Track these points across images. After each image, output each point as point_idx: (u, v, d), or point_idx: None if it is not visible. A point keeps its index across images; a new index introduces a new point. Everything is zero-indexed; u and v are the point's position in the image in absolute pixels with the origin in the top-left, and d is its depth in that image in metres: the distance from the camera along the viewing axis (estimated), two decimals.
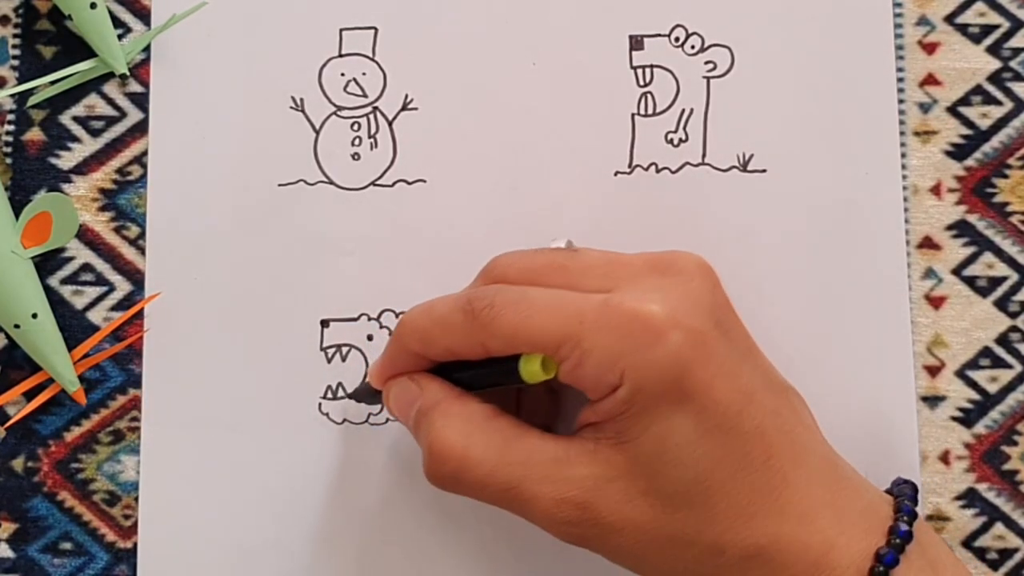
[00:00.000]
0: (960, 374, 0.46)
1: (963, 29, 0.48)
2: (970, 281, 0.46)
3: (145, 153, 0.47)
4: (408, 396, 0.40)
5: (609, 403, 0.37)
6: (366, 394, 0.43)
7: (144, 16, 0.48)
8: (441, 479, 0.39)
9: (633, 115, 0.47)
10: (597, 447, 0.37)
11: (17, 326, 0.45)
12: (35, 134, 0.48)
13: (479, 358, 0.39)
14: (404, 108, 0.47)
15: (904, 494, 0.40)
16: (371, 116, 0.47)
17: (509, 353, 0.38)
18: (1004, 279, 0.47)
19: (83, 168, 0.48)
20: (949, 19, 0.48)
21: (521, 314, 0.37)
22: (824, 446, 0.40)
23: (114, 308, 0.47)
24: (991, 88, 0.47)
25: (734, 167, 0.47)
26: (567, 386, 0.39)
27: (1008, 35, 0.48)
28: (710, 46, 0.47)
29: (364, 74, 0.48)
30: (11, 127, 0.48)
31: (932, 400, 0.46)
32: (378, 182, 0.47)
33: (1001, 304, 0.46)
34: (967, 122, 0.47)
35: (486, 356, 0.38)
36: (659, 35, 0.47)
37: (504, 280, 0.40)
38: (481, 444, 0.38)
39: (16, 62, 0.48)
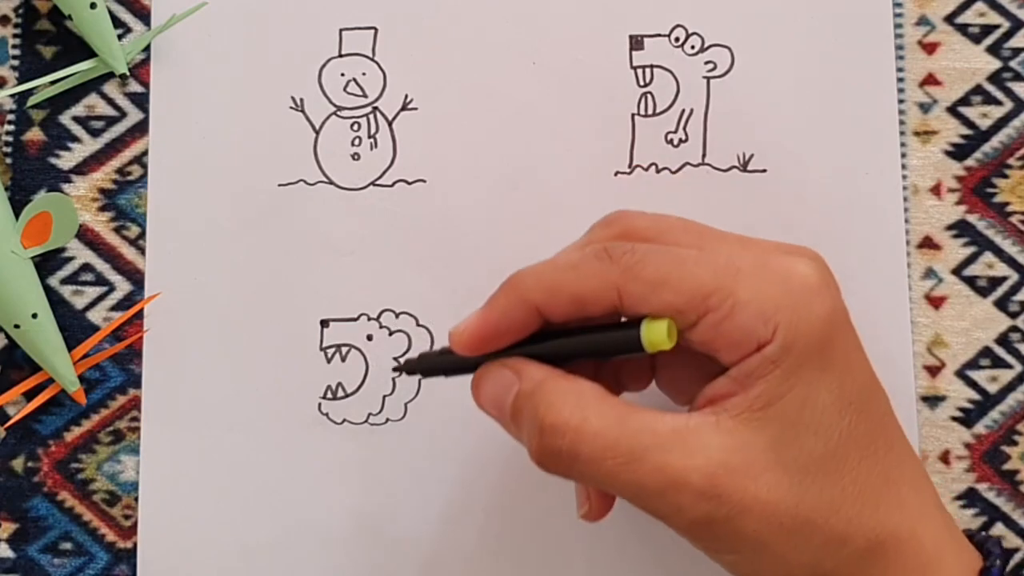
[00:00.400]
0: (960, 374, 0.46)
1: (963, 29, 0.48)
2: (970, 281, 0.47)
3: (145, 153, 0.47)
4: (504, 383, 0.37)
5: (754, 362, 0.35)
6: (428, 364, 0.40)
7: (144, 16, 0.48)
8: (555, 456, 0.36)
9: (633, 115, 0.47)
10: (720, 419, 0.35)
11: (17, 326, 0.45)
12: (35, 134, 0.48)
13: (604, 312, 0.36)
14: (404, 108, 0.47)
15: (985, 539, 0.39)
16: (371, 116, 0.47)
17: (648, 302, 0.35)
18: (1004, 279, 0.47)
19: (83, 168, 0.48)
20: (949, 19, 0.48)
21: (669, 262, 0.35)
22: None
23: (114, 308, 0.47)
24: (991, 88, 0.47)
25: (734, 167, 0.47)
26: (668, 379, 0.38)
27: (1008, 35, 0.48)
28: (710, 46, 0.47)
29: (364, 74, 0.48)
30: (11, 127, 0.48)
31: (932, 400, 0.46)
32: (378, 182, 0.47)
33: (1001, 304, 0.46)
34: (967, 122, 0.47)
35: (615, 310, 0.36)
36: (659, 35, 0.47)
37: (632, 231, 0.38)
38: (597, 416, 0.35)
39: (16, 62, 0.48)
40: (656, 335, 0.35)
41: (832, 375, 0.35)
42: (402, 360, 0.43)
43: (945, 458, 0.46)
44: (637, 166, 0.47)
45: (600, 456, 0.35)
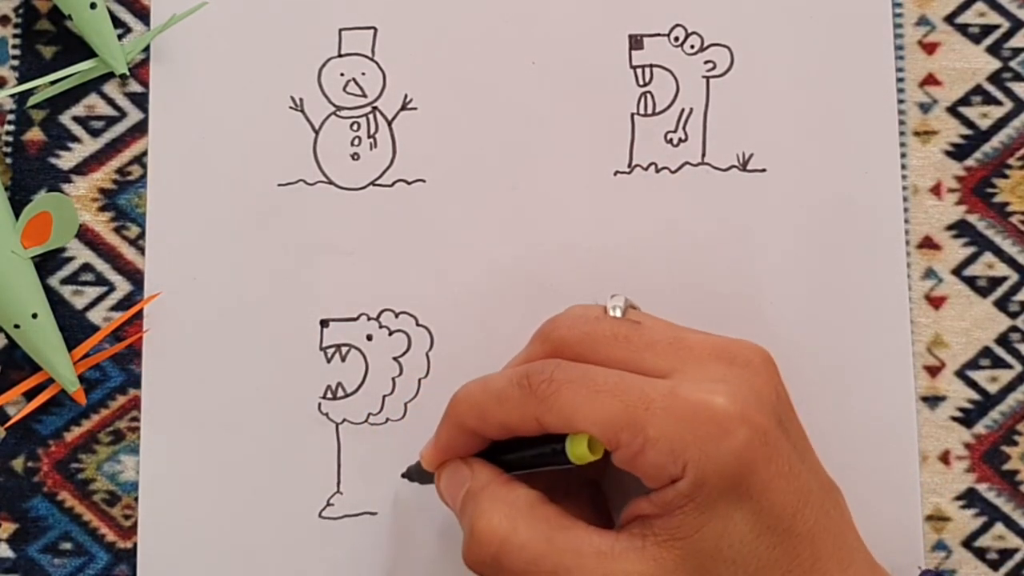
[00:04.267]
0: (960, 374, 0.46)
1: (963, 29, 0.48)
2: (970, 281, 0.46)
3: (145, 153, 0.48)
4: (459, 479, 0.40)
5: (668, 494, 0.36)
6: (419, 474, 0.43)
7: (144, 16, 0.48)
8: (480, 562, 0.38)
9: (633, 115, 0.47)
10: (645, 544, 0.36)
11: (17, 326, 0.45)
12: (35, 134, 0.48)
13: (533, 435, 0.38)
14: (403, 108, 0.47)
15: None
16: (370, 116, 0.47)
17: (565, 431, 0.37)
18: (1004, 279, 0.46)
19: (83, 168, 0.48)
20: (949, 19, 0.48)
21: (582, 393, 0.36)
22: (865, 549, 0.39)
23: (114, 308, 0.47)
24: (991, 88, 0.47)
25: (734, 167, 0.47)
26: (609, 482, 0.38)
27: (1008, 35, 0.48)
28: (709, 45, 0.47)
29: (363, 74, 0.48)
30: (11, 127, 0.48)
31: (932, 400, 0.46)
32: (378, 182, 0.47)
33: (1001, 304, 0.46)
34: (967, 122, 0.47)
35: (540, 433, 0.38)
36: (659, 35, 0.47)
37: (564, 346, 0.39)
38: (526, 529, 0.37)
39: (16, 62, 0.48)
40: (578, 449, 0.37)
41: (748, 505, 0.36)
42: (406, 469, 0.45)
43: (945, 458, 0.45)
44: (636, 166, 0.47)
45: (523, 569, 0.37)
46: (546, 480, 0.39)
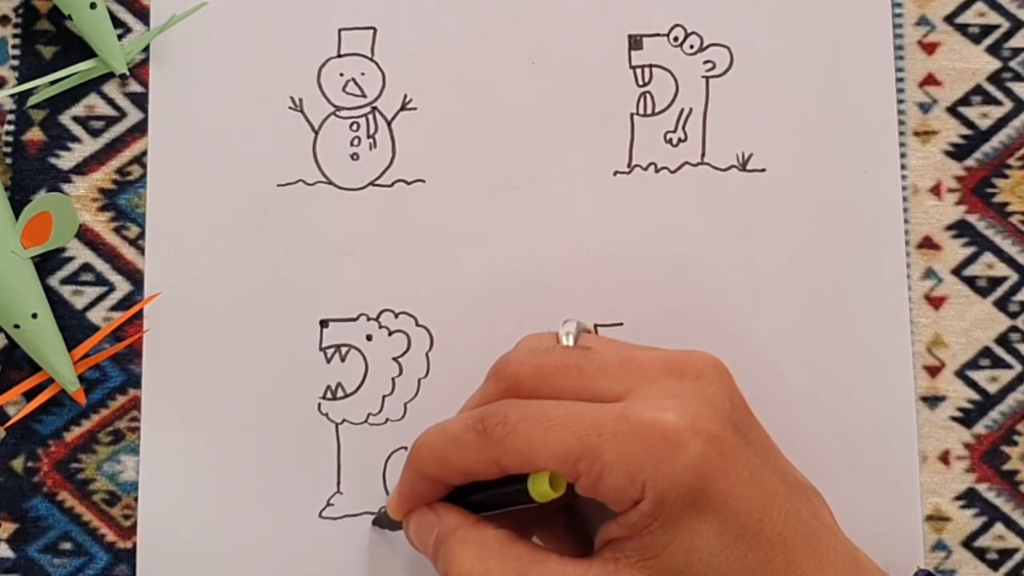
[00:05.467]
0: (960, 374, 0.46)
1: (963, 29, 0.48)
2: (970, 281, 0.46)
3: (145, 153, 0.48)
4: (427, 525, 0.40)
5: (633, 516, 0.36)
6: (388, 522, 0.43)
7: (144, 16, 0.48)
8: None
9: (632, 115, 0.47)
10: (618, 568, 0.36)
11: (17, 326, 0.45)
12: (35, 134, 0.48)
13: (494, 477, 0.38)
14: (403, 108, 0.47)
15: None
16: (370, 116, 0.47)
17: (525, 471, 0.37)
18: (1004, 279, 0.46)
19: (83, 168, 0.48)
20: (949, 19, 0.48)
21: (537, 430, 0.36)
22: (845, 544, 0.39)
23: (114, 308, 0.47)
24: (991, 88, 0.47)
25: (733, 166, 0.47)
26: (584, 505, 0.38)
27: (1008, 35, 0.48)
28: (709, 45, 0.47)
29: (363, 74, 0.48)
30: (11, 127, 0.48)
31: (932, 400, 0.46)
32: (377, 182, 0.47)
33: (1001, 304, 0.46)
34: (967, 122, 0.47)
35: (501, 475, 0.38)
36: (658, 35, 0.47)
37: (517, 383, 0.39)
38: (498, 569, 0.37)
39: (16, 62, 0.48)
40: (541, 488, 0.37)
41: (712, 516, 0.36)
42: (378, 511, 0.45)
43: (945, 458, 0.45)
44: (636, 165, 0.47)
45: None
46: (519, 514, 0.39)
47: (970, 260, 0.47)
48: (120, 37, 0.48)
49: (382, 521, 0.44)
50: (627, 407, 0.36)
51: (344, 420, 0.46)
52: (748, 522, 0.36)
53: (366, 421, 0.46)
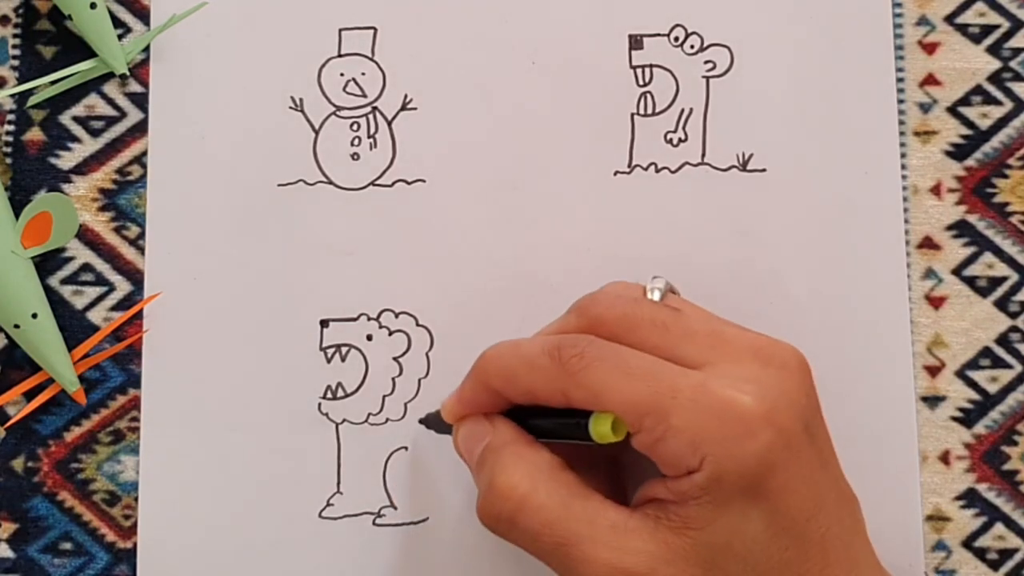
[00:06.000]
0: (960, 374, 0.46)
1: (963, 29, 0.48)
2: (970, 281, 0.46)
3: (145, 153, 0.48)
4: (479, 433, 0.39)
5: (685, 484, 0.36)
6: (436, 423, 0.43)
7: (144, 16, 0.48)
8: (496, 518, 0.38)
9: (632, 115, 0.47)
10: (658, 526, 0.36)
11: (17, 326, 0.45)
12: (35, 134, 0.48)
13: (559, 407, 0.38)
14: (403, 108, 0.47)
15: None
16: (370, 116, 0.47)
17: (591, 408, 0.37)
18: (1004, 279, 0.46)
19: (83, 168, 0.48)
20: (949, 19, 0.48)
21: (613, 373, 0.36)
22: (874, 558, 0.39)
23: (114, 308, 0.47)
24: (991, 88, 0.47)
25: (733, 167, 0.47)
26: (629, 459, 0.38)
27: (1008, 35, 0.48)
28: (709, 45, 0.47)
29: (363, 74, 0.48)
30: (11, 127, 0.48)
31: (932, 400, 0.46)
32: (377, 182, 0.47)
33: (1001, 304, 0.46)
34: (967, 122, 0.47)
35: (566, 406, 0.37)
36: (658, 35, 0.47)
37: (600, 324, 0.38)
38: (545, 492, 0.37)
39: (16, 62, 0.48)
40: (602, 428, 0.37)
41: (764, 506, 0.36)
42: (424, 415, 0.45)
43: (945, 458, 0.45)
44: (636, 166, 0.47)
45: (537, 530, 0.37)
46: (566, 450, 0.39)
47: (970, 260, 0.47)
48: (120, 37, 0.48)
49: (431, 421, 0.43)
50: (708, 378, 0.36)
51: (344, 420, 0.46)
52: (797, 518, 0.36)
53: (366, 421, 0.46)
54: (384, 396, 0.46)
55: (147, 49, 0.48)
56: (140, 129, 0.48)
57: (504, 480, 0.37)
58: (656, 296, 0.39)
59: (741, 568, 0.36)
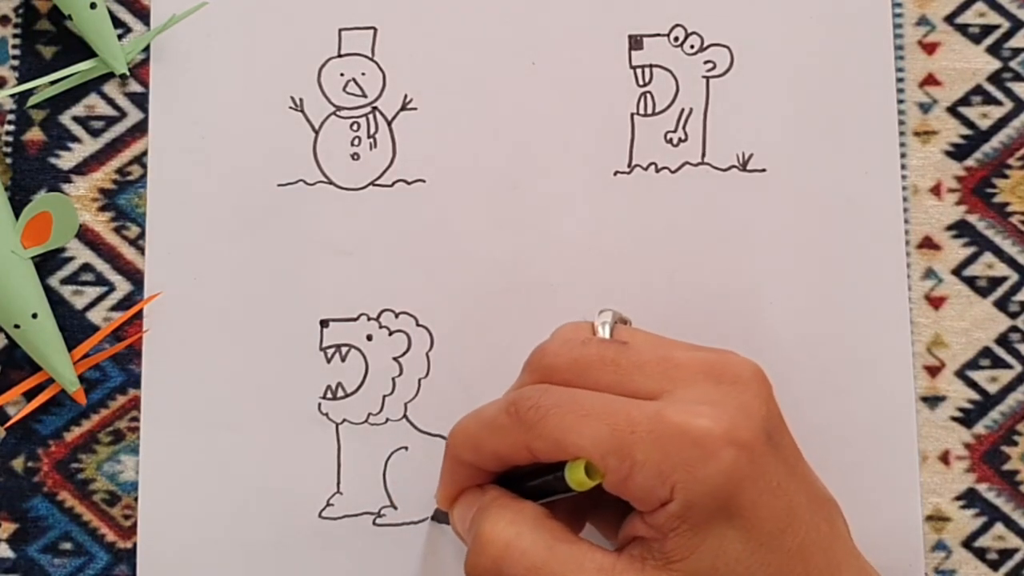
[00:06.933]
0: (960, 374, 0.46)
1: (963, 29, 0.48)
2: (970, 281, 0.46)
3: (145, 153, 0.48)
4: (471, 502, 0.40)
5: (660, 517, 0.36)
6: (442, 515, 0.43)
7: (144, 16, 0.48)
8: (481, 568, 0.37)
9: (632, 115, 0.47)
10: (644, 567, 0.36)
11: (17, 326, 0.45)
12: (35, 134, 0.48)
13: (527, 463, 0.38)
14: (403, 108, 0.47)
15: None
16: (370, 116, 0.47)
17: (555, 458, 0.37)
18: (1004, 279, 0.46)
19: (83, 168, 0.48)
20: (949, 19, 0.48)
21: (569, 417, 0.36)
22: (858, 559, 0.39)
23: (114, 308, 0.47)
24: (991, 88, 0.47)
25: (733, 167, 0.47)
26: (610, 502, 0.38)
27: (1008, 35, 0.48)
28: (709, 45, 0.47)
29: (363, 74, 0.48)
30: (11, 127, 0.48)
31: (932, 400, 0.46)
32: (377, 182, 0.47)
33: (1001, 304, 0.46)
34: (967, 122, 0.47)
35: (533, 461, 0.38)
36: (658, 35, 0.47)
37: (552, 372, 0.38)
38: (530, 536, 0.37)
39: (16, 62, 0.48)
40: (577, 476, 0.36)
41: (738, 524, 0.36)
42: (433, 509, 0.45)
43: (945, 458, 0.45)
44: (636, 166, 0.47)
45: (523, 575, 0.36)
46: (572, 505, 0.39)
47: (970, 260, 0.47)
48: (120, 37, 0.48)
49: (438, 516, 0.44)
50: (663, 408, 0.36)
51: (344, 420, 0.46)
52: (772, 531, 0.36)
53: (366, 421, 0.46)
54: (384, 396, 0.46)
55: (147, 49, 0.48)
56: (140, 129, 0.48)
57: (488, 529, 0.37)
58: (605, 331, 0.39)
59: None
